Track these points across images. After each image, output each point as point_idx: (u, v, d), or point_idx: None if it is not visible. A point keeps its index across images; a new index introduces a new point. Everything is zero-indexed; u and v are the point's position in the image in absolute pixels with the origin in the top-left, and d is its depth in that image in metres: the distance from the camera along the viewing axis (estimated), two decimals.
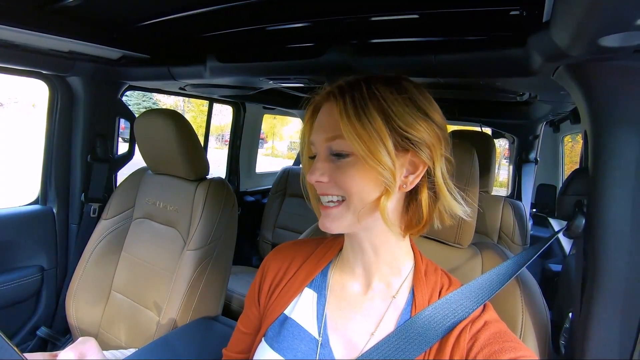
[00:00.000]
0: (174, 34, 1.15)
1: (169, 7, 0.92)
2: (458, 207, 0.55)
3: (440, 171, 0.53)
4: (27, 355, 0.53)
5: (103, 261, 1.39)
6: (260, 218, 2.55)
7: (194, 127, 1.31)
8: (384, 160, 0.49)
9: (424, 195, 0.54)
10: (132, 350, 1.16)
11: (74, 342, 1.47)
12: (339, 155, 0.53)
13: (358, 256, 0.60)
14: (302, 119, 0.61)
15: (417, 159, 0.52)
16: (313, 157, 0.57)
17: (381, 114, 0.50)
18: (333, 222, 0.54)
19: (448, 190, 0.54)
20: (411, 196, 0.55)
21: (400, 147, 0.51)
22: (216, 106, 2.56)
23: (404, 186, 0.53)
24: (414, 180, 0.53)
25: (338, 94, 0.52)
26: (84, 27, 1.07)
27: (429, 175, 0.54)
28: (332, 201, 0.54)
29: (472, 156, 0.75)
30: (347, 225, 0.54)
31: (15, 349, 0.48)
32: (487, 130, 2.40)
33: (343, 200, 0.53)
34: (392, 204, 0.54)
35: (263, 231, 2.51)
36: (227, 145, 2.70)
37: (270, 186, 2.59)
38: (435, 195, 0.55)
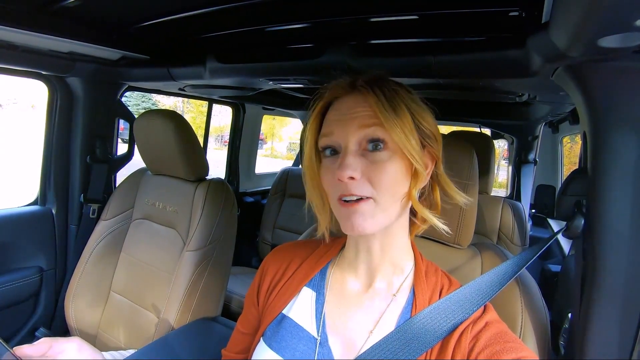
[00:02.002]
0: (173, 34, 1.15)
1: (168, 8, 0.92)
2: (460, 194, 0.58)
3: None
4: (23, 347, 0.52)
5: (102, 262, 1.39)
6: (260, 219, 2.54)
7: (194, 127, 1.31)
8: (418, 150, 0.51)
9: (437, 190, 0.59)
10: (131, 351, 1.16)
11: None
12: (373, 149, 0.51)
13: (362, 255, 0.60)
14: (302, 120, 0.61)
15: (427, 157, 0.55)
16: (326, 157, 0.55)
17: (407, 109, 0.52)
18: (366, 221, 0.51)
19: (449, 180, 0.58)
20: (422, 191, 0.59)
21: (420, 143, 0.54)
22: (216, 107, 2.56)
23: None
24: (427, 177, 0.56)
25: (368, 86, 0.53)
26: (83, 27, 1.07)
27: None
28: (361, 198, 0.51)
29: (471, 157, 0.75)
30: (382, 222, 0.52)
31: (12, 351, 0.48)
32: (486, 131, 2.41)
33: (370, 197, 0.51)
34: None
35: (262, 232, 2.51)
36: (227, 146, 2.70)
37: (270, 187, 2.58)
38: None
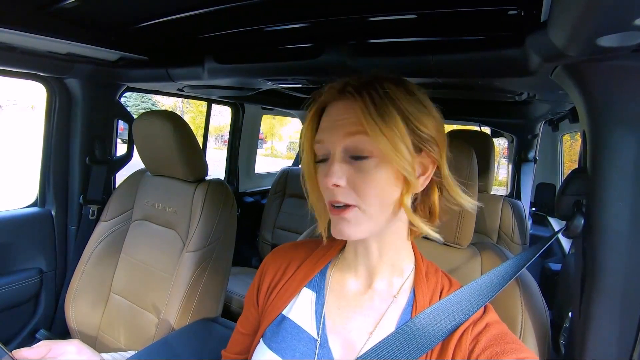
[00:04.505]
0: (171, 35, 1.15)
1: (166, 8, 0.91)
2: (465, 198, 0.56)
3: (447, 166, 0.54)
4: (22, 350, 0.52)
5: (102, 263, 1.39)
6: (260, 219, 2.54)
7: (193, 127, 1.31)
8: (407, 157, 0.49)
9: (435, 195, 0.56)
10: (131, 353, 1.16)
11: None
12: (358, 157, 0.51)
13: (361, 256, 0.60)
14: (301, 120, 0.61)
15: (426, 160, 0.53)
16: (320, 161, 0.56)
17: (400, 113, 0.50)
18: (351, 228, 0.52)
19: (455, 184, 0.55)
20: (419, 196, 0.57)
21: (415, 147, 0.51)
22: (215, 107, 2.56)
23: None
24: (424, 182, 0.54)
25: (355, 92, 0.51)
26: (81, 29, 1.06)
27: (436, 172, 0.55)
28: (347, 205, 0.52)
29: (471, 156, 0.75)
30: (368, 230, 0.53)
31: (10, 354, 0.48)
32: (486, 130, 2.41)
33: (355, 205, 0.52)
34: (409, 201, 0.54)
35: (262, 232, 2.51)
36: (226, 146, 2.70)
37: (270, 187, 2.58)
38: (440, 192, 0.56)
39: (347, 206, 0.51)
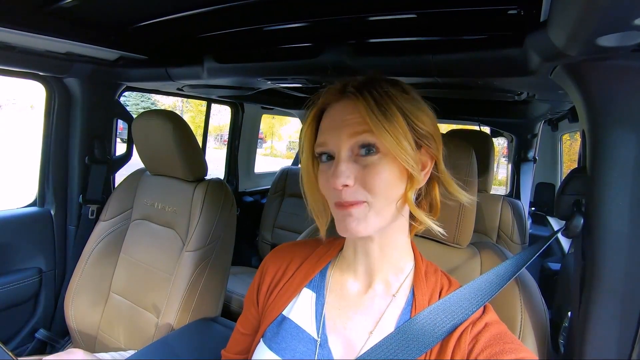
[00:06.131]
0: (171, 34, 1.14)
1: (166, 8, 0.91)
2: (462, 193, 0.58)
3: (443, 162, 0.56)
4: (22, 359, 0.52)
5: (102, 263, 1.39)
6: (260, 218, 2.54)
7: (193, 127, 1.31)
8: (411, 153, 0.50)
9: (436, 189, 0.58)
10: (131, 352, 1.16)
11: (73, 344, 1.45)
12: (366, 154, 0.51)
13: (360, 256, 0.60)
14: (301, 119, 0.61)
15: (425, 156, 0.55)
16: (322, 158, 0.55)
17: (400, 111, 0.51)
18: (359, 225, 0.51)
19: (451, 178, 0.57)
20: (422, 191, 0.59)
21: (415, 143, 0.53)
22: (215, 106, 2.56)
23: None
24: (424, 177, 0.56)
25: (357, 92, 0.52)
26: (81, 28, 1.06)
27: (434, 168, 0.57)
28: (356, 201, 0.51)
29: (470, 155, 0.75)
30: (374, 226, 0.52)
31: (10, 353, 0.48)
32: (486, 129, 2.41)
33: (364, 201, 0.52)
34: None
35: (262, 231, 2.51)
36: (226, 145, 2.70)
37: (269, 186, 2.58)
38: (438, 187, 0.59)
39: (355, 202, 0.51)
